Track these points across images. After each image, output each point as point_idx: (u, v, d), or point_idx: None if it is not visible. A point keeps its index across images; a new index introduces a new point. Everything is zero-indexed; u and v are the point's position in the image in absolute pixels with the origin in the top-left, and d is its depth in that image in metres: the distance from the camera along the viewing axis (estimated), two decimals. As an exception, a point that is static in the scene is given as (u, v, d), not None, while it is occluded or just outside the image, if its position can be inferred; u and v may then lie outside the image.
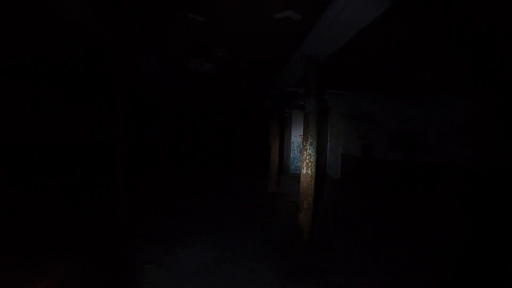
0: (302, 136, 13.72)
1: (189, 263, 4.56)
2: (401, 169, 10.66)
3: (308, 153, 5.26)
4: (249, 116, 19.90)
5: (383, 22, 4.63)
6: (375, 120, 10.81)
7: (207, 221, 6.60)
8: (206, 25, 5.31)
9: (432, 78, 7.73)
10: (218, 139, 20.55)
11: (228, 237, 5.68)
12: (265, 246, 5.31)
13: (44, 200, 5.83)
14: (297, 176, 12.69)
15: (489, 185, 7.89)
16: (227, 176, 13.63)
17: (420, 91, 9.63)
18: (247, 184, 11.59)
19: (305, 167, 5.31)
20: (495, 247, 5.72)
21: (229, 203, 8.35)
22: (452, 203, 8.92)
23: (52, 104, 6.60)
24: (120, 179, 5.70)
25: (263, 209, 7.95)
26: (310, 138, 5.27)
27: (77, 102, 7.57)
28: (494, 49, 5.74)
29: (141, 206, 7.27)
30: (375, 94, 10.37)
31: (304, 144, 5.34)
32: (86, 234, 5.28)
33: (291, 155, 14.44)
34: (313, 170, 5.29)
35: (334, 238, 5.86)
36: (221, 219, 6.84)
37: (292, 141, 14.41)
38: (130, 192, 6.01)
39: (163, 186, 10.18)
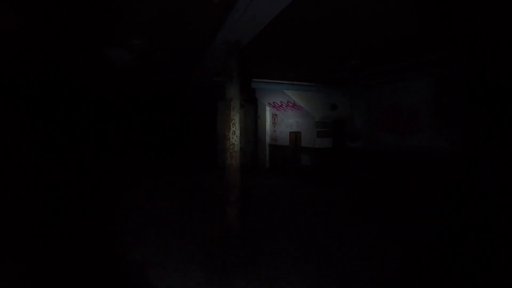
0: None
1: (117, 269, 4.01)
2: (330, 156, 11.02)
3: (231, 143, 4.98)
4: (176, 110, 19.05)
5: (304, 3, 4.53)
6: (302, 109, 10.98)
7: (130, 222, 6.01)
8: (121, 9, 4.73)
9: (359, 63, 7.94)
10: (143, 137, 19.32)
11: (154, 238, 5.19)
12: (194, 245, 4.94)
13: None
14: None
15: (415, 168, 8.51)
16: (152, 174, 12.83)
17: (347, 79, 9.97)
18: (173, 181, 10.99)
19: (229, 158, 5.02)
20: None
21: (155, 202, 7.77)
22: (382, 186, 9.47)
23: None
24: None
25: (189, 204, 7.53)
26: (233, 127, 4.98)
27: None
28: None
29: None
30: (302, 82, 10.50)
31: (227, 133, 5.04)
32: None
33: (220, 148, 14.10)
34: (238, 160, 5.03)
35: (266, 231, 5.69)
36: (146, 218, 6.29)
37: (218, 132, 14.06)
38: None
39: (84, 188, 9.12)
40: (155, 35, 6.09)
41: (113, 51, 7.11)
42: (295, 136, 12.12)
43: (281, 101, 11.90)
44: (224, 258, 4.51)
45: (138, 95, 14.23)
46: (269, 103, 13.31)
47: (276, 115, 13.58)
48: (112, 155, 15.35)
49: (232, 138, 4.97)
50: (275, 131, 13.75)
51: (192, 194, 8.72)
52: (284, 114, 12.74)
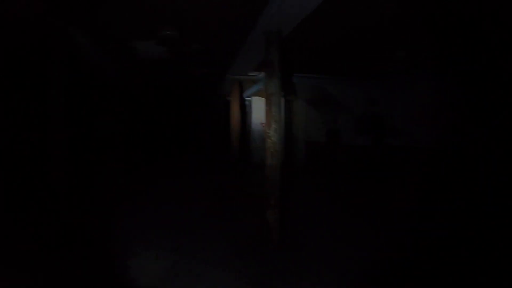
0: (263, 124, 13.08)
1: (143, 275, 3.77)
2: (369, 153, 10.39)
3: (272, 141, 4.59)
4: (208, 106, 18.98)
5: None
6: (340, 104, 10.42)
7: (162, 222, 5.77)
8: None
9: (402, 55, 7.33)
10: (173, 131, 19.41)
11: (185, 241, 4.91)
12: (229, 250, 4.61)
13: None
14: (260, 167, 12.13)
15: (460, 166, 7.79)
16: (184, 168, 12.75)
17: (387, 71, 9.31)
18: (206, 177, 10.80)
19: (269, 158, 4.64)
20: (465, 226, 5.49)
21: (186, 198, 7.56)
22: (423, 186, 8.75)
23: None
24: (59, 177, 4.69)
25: (224, 204, 7.24)
26: (274, 124, 4.59)
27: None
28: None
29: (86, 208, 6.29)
30: (340, 77, 9.94)
31: (267, 131, 4.66)
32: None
33: (252, 145, 13.75)
34: (279, 160, 4.65)
35: (305, 234, 5.29)
36: (176, 219, 6.03)
37: (252, 129, 13.70)
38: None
39: (113, 183, 9.12)
40: (188, 26, 5.78)
41: (143, 44, 6.91)
42: (333, 133, 11.55)
43: (317, 96, 11.37)
44: (263, 265, 4.15)
45: (169, 90, 14.16)
46: (306, 98, 12.80)
47: (312, 110, 13.04)
48: (142, 151, 15.50)
49: (273, 136, 4.58)
50: (311, 127, 13.21)
51: (226, 194, 8.44)
52: (320, 109, 12.19)
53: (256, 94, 12.13)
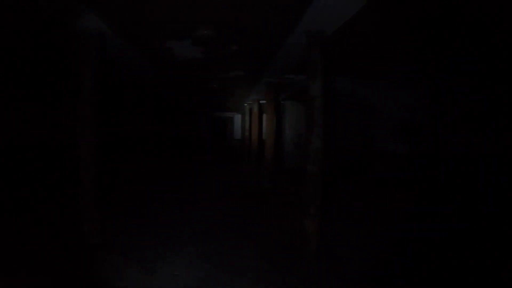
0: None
1: (173, 284, 3.64)
2: (406, 161, 9.86)
3: (314, 147, 4.34)
4: (239, 109, 18.95)
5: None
6: (376, 109, 9.96)
7: (191, 229, 5.64)
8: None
9: (446, 60, 6.87)
10: (206, 135, 19.58)
11: (217, 250, 4.74)
12: (264, 260, 4.40)
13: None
14: (293, 172, 11.86)
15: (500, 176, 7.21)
16: (217, 173, 12.72)
17: (427, 76, 8.79)
18: (239, 181, 10.67)
19: (311, 164, 4.39)
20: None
21: (220, 204, 7.43)
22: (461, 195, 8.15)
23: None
24: (89, 179, 4.69)
25: (257, 211, 7.05)
26: (317, 129, 4.34)
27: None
28: None
29: (113, 209, 6.32)
30: (378, 81, 9.50)
31: (309, 136, 4.41)
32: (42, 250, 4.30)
33: (286, 150, 13.50)
34: (320, 167, 4.38)
35: (341, 244, 4.99)
36: (208, 225, 5.89)
37: (286, 133, 13.45)
38: (101, 195, 5.01)
39: (141, 185, 9.21)
40: (226, 26, 5.61)
41: (177, 44, 6.84)
42: (368, 140, 11.06)
43: (353, 101, 10.96)
44: (299, 277, 3.90)
45: (203, 92, 14.15)
46: (340, 102, 12.42)
47: (345, 115, 12.62)
48: (173, 152, 15.67)
49: (315, 142, 4.33)
50: (345, 134, 12.79)
51: (259, 198, 8.26)
52: (356, 115, 11.76)
53: (292, 97, 11.90)
